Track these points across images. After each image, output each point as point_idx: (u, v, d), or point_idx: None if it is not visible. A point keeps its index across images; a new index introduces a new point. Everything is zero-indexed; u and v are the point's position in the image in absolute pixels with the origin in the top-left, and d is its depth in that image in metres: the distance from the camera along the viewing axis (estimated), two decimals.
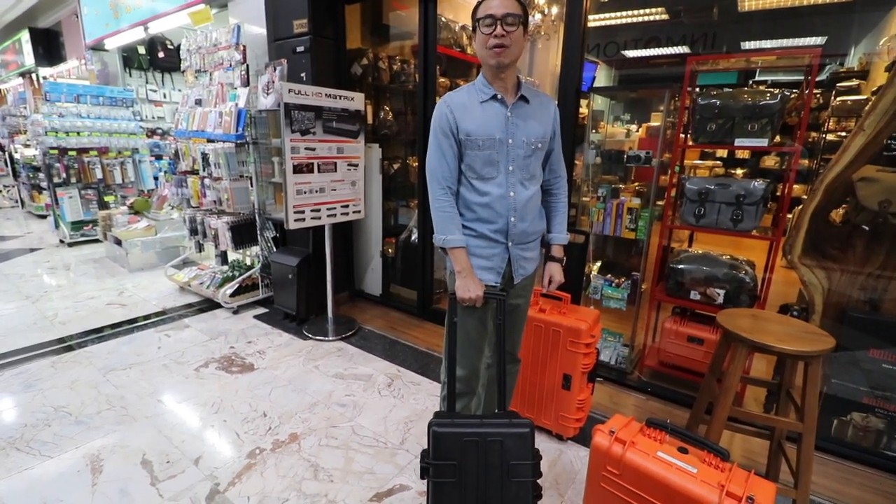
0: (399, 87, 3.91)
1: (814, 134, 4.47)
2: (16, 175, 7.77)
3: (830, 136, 3.90)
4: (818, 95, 4.38)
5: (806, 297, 2.21)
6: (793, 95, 2.88)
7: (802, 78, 2.41)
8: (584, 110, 3.12)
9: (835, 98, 3.93)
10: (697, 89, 2.41)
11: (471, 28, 1.54)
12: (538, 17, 3.87)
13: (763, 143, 2.13)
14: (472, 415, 1.59)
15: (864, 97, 3.57)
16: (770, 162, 4.65)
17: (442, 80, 3.70)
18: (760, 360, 2.68)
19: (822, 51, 2.24)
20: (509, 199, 1.55)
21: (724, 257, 2.42)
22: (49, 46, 8.16)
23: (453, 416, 1.42)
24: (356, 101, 3.13)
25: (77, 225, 5.63)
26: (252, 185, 3.57)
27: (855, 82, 3.87)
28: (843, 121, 3.80)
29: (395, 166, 3.89)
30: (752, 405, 2.46)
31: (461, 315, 1.59)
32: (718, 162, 4.95)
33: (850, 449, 2.08)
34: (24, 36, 8.22)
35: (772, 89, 2.20)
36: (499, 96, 1.52)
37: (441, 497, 1.34)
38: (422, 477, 1.34)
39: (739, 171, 4.74)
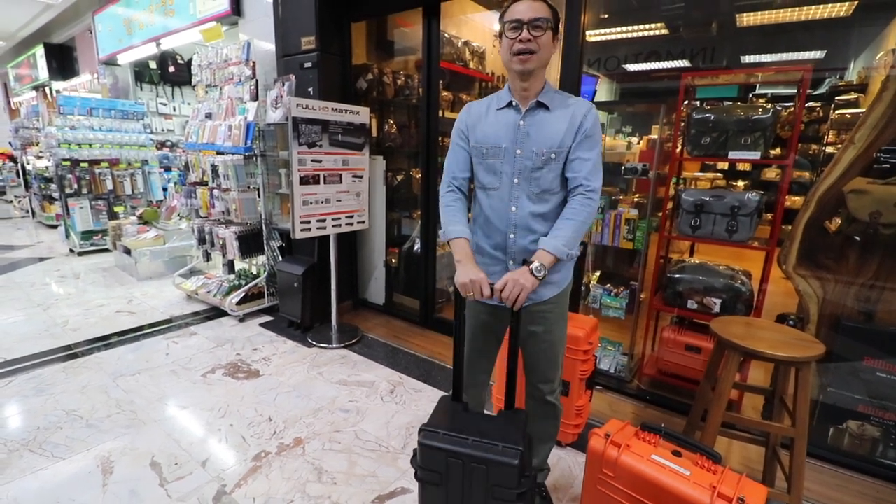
0: (403, 101, 4.01)
1: (814, 146, 4.53)
2: (27, 186, 7.92)
3: (830, 149, 3.95)
4: (818, 109, 4.45)
5: (802, 306, 2.25)
6: (790, 109, 2.94)
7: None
8: None
9: (834, 111, 4.00)
10: (696, 103, 2.48)
11: (497, 34, 1.45)
12: None
13: (756, 155, 2.19)
14: (469, 414, 1.46)
15: (863, 110, 3.63)
16: (771, 174, 4.70)
17: (445, 94, 3.79)
18: (759, 370, 2.71)
19: (813, 66, 2.29)
20: (510, 213, 1.46)
21: (720, 267, 2.47)
22: (63, 61, 8.37)
23: (447, 418, 1.41)
24: (361, 114, 3.22)
25: (87, 235, 5.74)
26: (259, 196, 3.66)
27: (854, 95, 3.93)
28: (842, 133, 3.86)
29: (399, 178, 3.97)
30: (749, 413, 2.48)
31: (468, 316, 1.59)
32: (719, 174, 5.00)
33: (845, 457, 2.10)
34: (39, 51, 8.44)
35: (764, 104, 2.26)
36: (514, 103, 1.46)
37: (427, 498, 1.39)
38: (414, 475, 1.39)
39: (741, 183, 4.79)
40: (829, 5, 3.40)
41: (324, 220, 3.10)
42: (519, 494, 1.28)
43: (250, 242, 3.76)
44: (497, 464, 1.27)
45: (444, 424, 1.38)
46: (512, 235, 1.48)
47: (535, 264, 1.35)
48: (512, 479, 1.27)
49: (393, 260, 3.87)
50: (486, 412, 1.67)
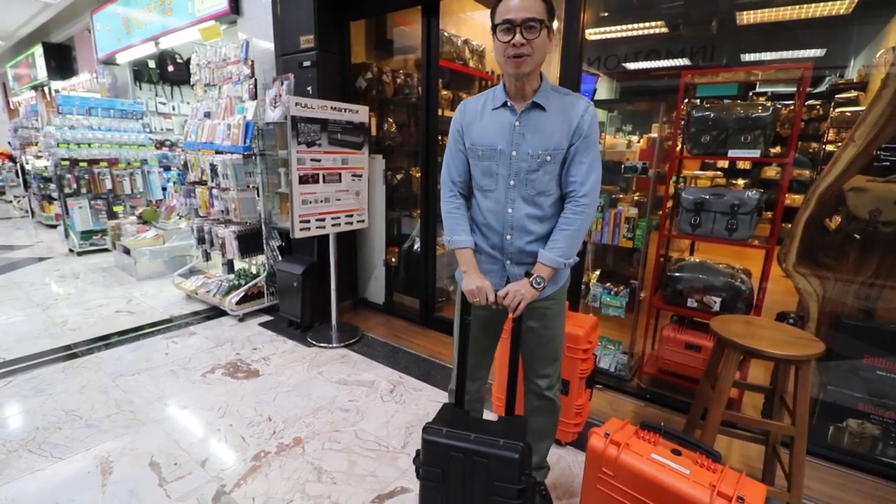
0: (402, 100, 4.00)
1: (814, 144, 4.53)
2: (27, 186, 7.92)
3: (830, 147, 3.95)
4: (818, 107, 4.44)
5: (802, 304, 2.25)
6: (790, 107, 2.94)
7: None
8: None
9: (834, 109, 3.99)
10: (696, 101, 2.47)
11: (490, 29, 1.39)
12: None
13: (755, 153, 2.18)
14: (470, 418, 1.51)
15: (863, 108, 3.62)
16: (771, 172, 4.70)
17: (444, 92, 3.78)
18: (759, 368, 2.71)
19: (813, 64, 2.29)
20: (507, 215, 1.46)
21: (720, 266, 2.46)
22: (62, 60, 8.34)
23: (449, 420, 1.43)
24: (360, 113, 3.21)
25: (86, 234, 5.74)
26: (259, 196, 3.65)
27: (854, 93, 3.93)
28: (842, 131, 3.86)
29: (399, 177, 3.97)
30: (749, 412, 2.48)
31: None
32: (719, 172, 4.99)
33: (845, 455, 2.10)
34: (38, 50, 8.42)
35: (764, 102, 2.25)
36: (509, 104, 1.42)
37: (428, 496, 1.41)
38: (416, 474, 1.41)
39: (741, 182, 4.79)
40: (829, 3, 3.39)
41: (323, 220, 3.09)
42: (519, 490, 1.30)
43: (250, 242, 3.76)
44: (498, 458, 1.30)
45: (447, 424, 1.41)
46: (509, 237, 1.49)
47: (535, 277, 1.43)
48: (513, 473, 1.29)
49: (393, 259, 3.87)
50: (485, 412, 1.69)
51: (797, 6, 3.39)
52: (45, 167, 6.70)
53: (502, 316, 1.66)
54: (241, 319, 3.68)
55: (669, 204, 2.61)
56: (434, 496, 1.39)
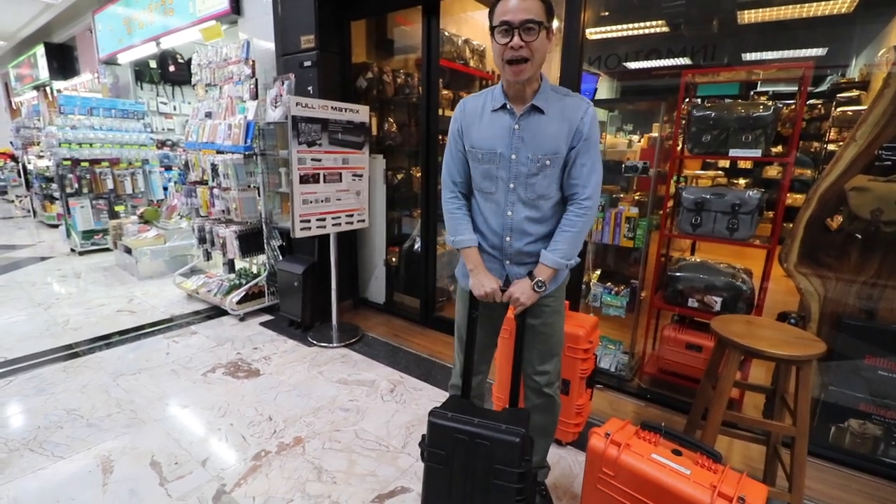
0: (403, 100, 4.00)
1: (816, 144, 4.52)
2: (28, 185, 7.93)
3: (831, 146, 3.94)
4: (820, 106, 4.43)
5: (804, 304, 2.24)
6: (791, 106, 2.93)
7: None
8: None
9: (835, 108, 3.98)
10: (697, 100, 2.46)
11: (488, 29, 1.37)
12: None
13: (756, 153, 2.17)
14: (475, 407, 1.55)
15: (864, 107, 3.61)
16: (772, 172, 4.69)
17: (445, 92, 3.78)
18: (760, 368, 2.70)
19: (814, 63, 2.28)
20: (506, 217, 1.48)
21: (721, 266, 2.46)
22: (63, 61, 8.37)
23: (455, 408, 1.47)
24: (361, 113, 3.21)
25: (88, 234, 5.75)
26: (259, 195, 3.65)
27: (855, 93, 3.92)
28: (843, 131, 3.84)
29: (399, 177, 3.97)
30: (750, 412, 2.48)
31: (466, 310, 1.61)
32: (720, 172, 4.98)
33: (847, 456, 2.09)
34: (40, 50, 8.44)
35: (765, 101, 2.25)
36: (508, 106, 1.41)
37: (432, 479, 1.45)
38: (420, 457, 1.45)
39: (742, 181, 4.79)
40: (831, 2, 3.38)
41: (324, 219, 3.09)
42: (520, 475, 1.33)
43: (250, 241, 3.76)
44: (500, 442, 1.34)
45: (452, 409, 1.45)
46: (508, 238, 1.50)
47: (536, 280, 1.45)
48: (514, 457, 1.33)
49: (393, 259, 3.87)
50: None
51: (798, 5, 3.38)
52: (47, 167, 6.71)
53: (501, 311, 1.68)
54: (242, 319, 3.69)
55: (670, 203, 2.61)
56: (438, 478, 1.43)
